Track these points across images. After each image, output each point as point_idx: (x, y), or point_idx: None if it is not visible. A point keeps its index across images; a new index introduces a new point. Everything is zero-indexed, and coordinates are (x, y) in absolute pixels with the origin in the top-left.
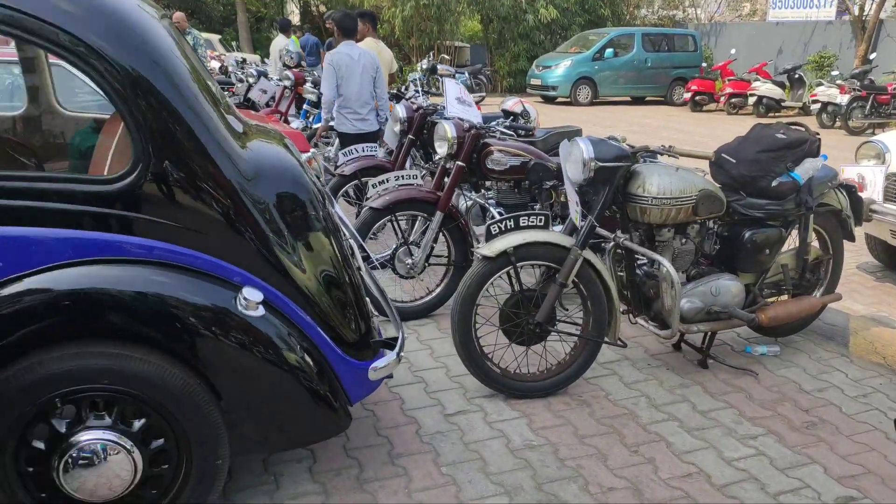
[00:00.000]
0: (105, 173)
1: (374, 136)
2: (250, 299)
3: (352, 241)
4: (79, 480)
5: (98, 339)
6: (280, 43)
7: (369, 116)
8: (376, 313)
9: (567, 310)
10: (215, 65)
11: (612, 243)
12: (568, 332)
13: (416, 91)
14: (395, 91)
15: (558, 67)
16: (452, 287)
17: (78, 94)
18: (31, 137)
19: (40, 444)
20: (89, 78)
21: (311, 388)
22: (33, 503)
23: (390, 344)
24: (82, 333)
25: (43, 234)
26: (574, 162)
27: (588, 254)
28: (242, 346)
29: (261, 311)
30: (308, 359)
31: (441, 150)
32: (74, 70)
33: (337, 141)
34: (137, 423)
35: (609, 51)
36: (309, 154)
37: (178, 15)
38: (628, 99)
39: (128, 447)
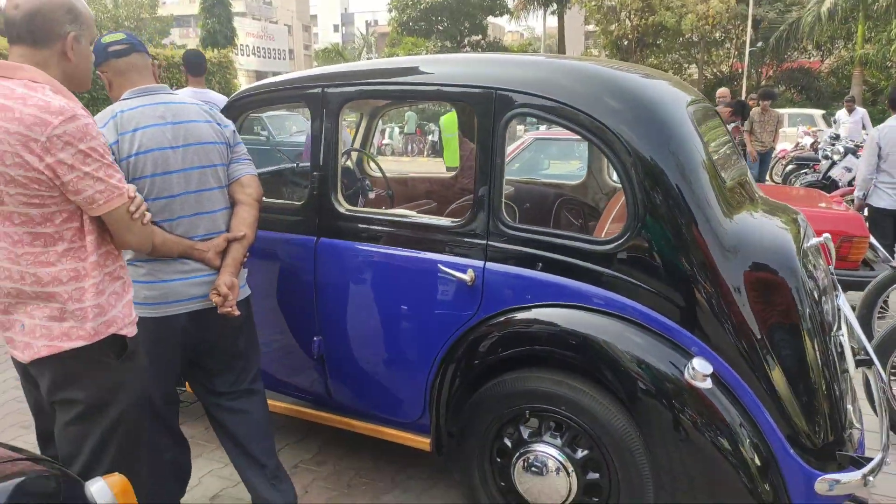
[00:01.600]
0: (602, 236)
1: None
2: (698, 370)
3: (842, 339)
4: (528, 483)
5: (565, 371)
6: None
7: None
8: (857, 425)
9: None
10: (807, 141)
11: None
12: None
13: None
14: None
15: None
16: None
17: None
18: (584, 200)
19: (508, 442)
20: (609, 160)
21: (745, 480)
22: (494, 486)
23: (860, 462)
24: (558, 364)
25: (553, 280)
26: None
27: None
28: (680, 412)
29: (708, 383)
30: (752, 450)
31: None
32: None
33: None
34: (581, 453)
35: None
36: (821, 239)
37: (722, 91)
38: None
39: (568, 470)
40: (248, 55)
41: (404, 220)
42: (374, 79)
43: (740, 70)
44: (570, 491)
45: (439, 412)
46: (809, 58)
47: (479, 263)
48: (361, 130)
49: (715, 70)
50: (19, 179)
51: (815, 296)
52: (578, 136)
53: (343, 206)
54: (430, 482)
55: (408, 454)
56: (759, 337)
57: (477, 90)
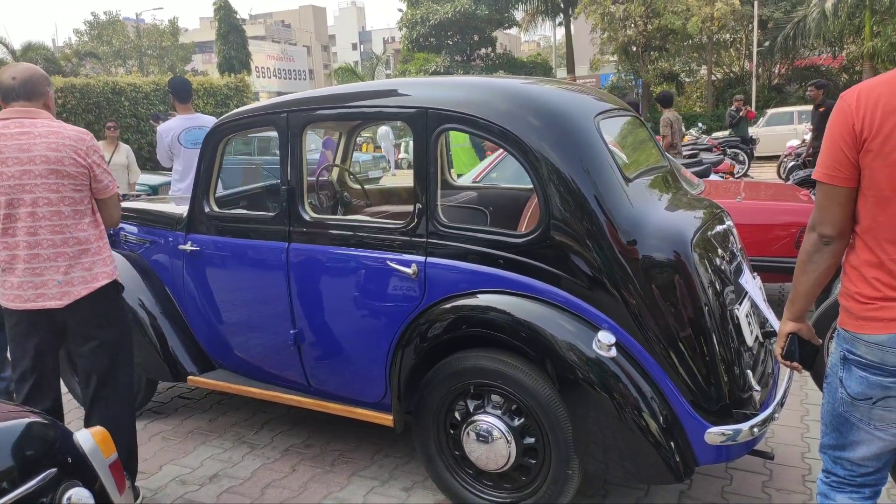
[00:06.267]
0: (522, 230)
1: None
2: (603, 341)
3: (738, 313)
4: (476, 450)
5: (498, 349)
6: None
7: None
8: (756, 387)
9: None
10: (811, 137)
11: None
12: None
13: None
14: None
15: None
16: None
17: None
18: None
19: (457, 415)
20: (520, 163)
21: (651, 440)
22: (450, 456)
23: (751, 418)
24: (491, 343)
25: (482, 269)
26: None
27: None
28: (590, 377)
29: (613, 352)
30: (656, 412)
31: None
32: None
33: None
34: (517, 421)
35: None
36: (725, 226)
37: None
38: None
39: (508, 437)
40: (270, 77)
41: (359, 224)
42: (329, 104)
43: (750, 70)
44: (511, 454)
45: (398, 392)
46: (821, 55)
47: (421, 258)
48: (341, 148)
49: (726, 70)
50: (73, 173)
51: (713, 275)
52: (494, 144)
53: (308, 215)
54: (404, 459)
55: (387, 437)
56: (656, 312)
57: (412, 110)
